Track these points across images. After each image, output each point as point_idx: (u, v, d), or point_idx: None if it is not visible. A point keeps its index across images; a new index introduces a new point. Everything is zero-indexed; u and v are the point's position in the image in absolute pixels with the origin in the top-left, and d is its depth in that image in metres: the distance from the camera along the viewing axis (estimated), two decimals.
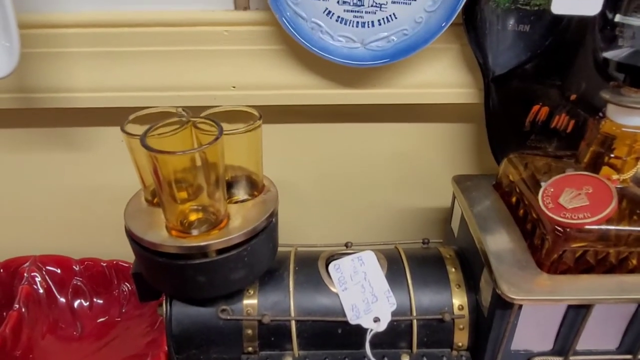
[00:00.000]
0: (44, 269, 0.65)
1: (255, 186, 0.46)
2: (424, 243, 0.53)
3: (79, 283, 0.66)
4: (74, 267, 0.66)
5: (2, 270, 0.65)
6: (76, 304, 0.66)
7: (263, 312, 0.45)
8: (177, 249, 0.38)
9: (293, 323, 0.45)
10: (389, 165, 0.60)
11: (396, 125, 0.58)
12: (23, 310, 0.60)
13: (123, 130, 0.40)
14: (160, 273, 0.41)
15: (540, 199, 0.40)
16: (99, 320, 0.65)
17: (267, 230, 0.42)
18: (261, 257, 0.43)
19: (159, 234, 0.39)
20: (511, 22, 0.49)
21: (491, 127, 0.54)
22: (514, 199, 0.47)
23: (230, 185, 0.45)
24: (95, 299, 0.66)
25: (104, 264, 0.66)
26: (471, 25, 0.49)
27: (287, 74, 0.52)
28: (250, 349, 0.46)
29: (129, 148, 0.41)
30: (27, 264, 0.64)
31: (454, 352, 0.46)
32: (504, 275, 0.40)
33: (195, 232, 0.39)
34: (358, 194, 0.62)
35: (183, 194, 0.39)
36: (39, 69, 0.51)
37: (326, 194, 0.62)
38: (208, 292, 0.41)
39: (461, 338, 0.46)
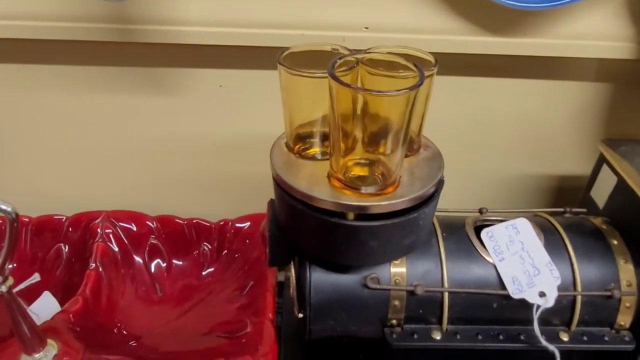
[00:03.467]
0: (117, 225, 0.59)
1: (410, 142, 0.40)
2: (565, 212, 0.48)
3: (155, 242, 0.60)
4: (149, 223, 0.60)
5: (66, 228, 0.59)
6: (153, 265, 0.60)
7: (412, 282, 0.40)
8: (350, 209, 0.33)
9: (446, 295, 0.40)
10: (514, 127, 0.55)
11: (529, 82, 0.52)
12: (100, 269, 0.55)
13: (280, 63, 0.34)
14: (319, 235, 0.36)
15: None
16: (178, 283, 0.60)
17: (439, 190, 0.37)
18: (430, 221, 0.38)
19: (324, 190, 0.34)
20: None
21: None
22: None
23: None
24: (173, 260, 0.61)
25: (183, 222, 0.60)
26: None
27: (427, 15, 0.46)
28: (394, 321, 0.41)
29: (285, 85, 0.35)
30: (99, 219, 0.58)
31: (613, 332, 0.42)
32: None
33: (368, 189, 0.34)
34: (483, 156, 0.57)
35: (358, 145, 0.34)
36: None
37: (454, 154, 0.56)
38: (375, 259, 0.36)
39: (625, 317, 0.42)
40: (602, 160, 0.48)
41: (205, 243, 0.62)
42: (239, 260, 0.61)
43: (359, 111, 0.32)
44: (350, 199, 0.33)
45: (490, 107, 0.54)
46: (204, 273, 0.61)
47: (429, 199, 0.35)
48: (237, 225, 0.61)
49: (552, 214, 0.47)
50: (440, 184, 0.37)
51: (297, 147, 0.39)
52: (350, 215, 0.34)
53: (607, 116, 0.54)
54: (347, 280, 0.40)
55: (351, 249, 0.35)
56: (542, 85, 0.53)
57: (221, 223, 0.61)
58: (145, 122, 0.56)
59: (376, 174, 0.35)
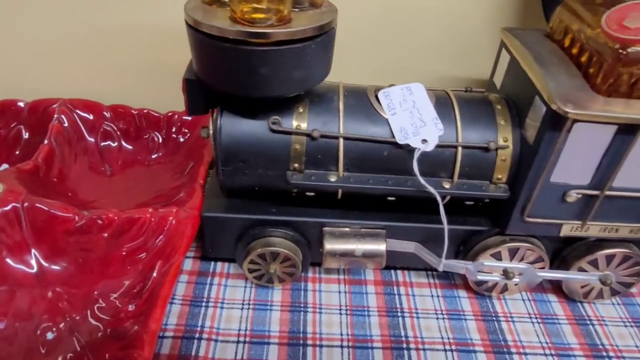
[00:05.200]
0: (74, 111, 0.64)
1: (314, 3, 0.45)
2: (466, 90, 0.53)
3: (108, 128, 0.66)
4: (105, 113, 0.66)
5: (26, 112, 0.65)
6: (105, 145, 0.66)
7: (313, 129, 0.45)
8: (243, 35, 0.38)
9: (341, 141, 0.46)
10: (430, 20, 0.60)
11: None
12: (54, 144, 0.60)
13: None
14: (221, 64, 0.41)
15: (603, 21, 0.41)
16: (127, 163, 0.66)
17: (329, 34, 0.42)
18: (320, 63, 0.43)
19: (224, 22, 0.39)
20: None
21: None
22: (568, 40, 0.47)
23: None
24: (124, 144, 0.66)
25: (135, 112, 0.66)
26: None
27: None
28: (296, 165, 0.46)
29: None
30: (57, 105, 0.63)
31: (492, 185, 0.48)
32: (561, 95, 0.40)
33: (262, 24, 0.39)
34: (395, 50, 0.61)
35: None
36: None
37: (365, 34, 0.61)
38: (267, 88, 0.41)
39: (501, 171, 0.47)
40: (502, 46, 0.53)
41: (155, 132, 0.67)
42: (183, 146, 0.66)
43: None
44: (243, 27, 0.38)
45: None
46: (153, 157, 0.67)
47: (316, 37, 0.40)
48: (184, 118, 0.67)
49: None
50: (330, 29, 0.42)
51: (213, 6, 0.44)
52: (243, 43, 0.39)
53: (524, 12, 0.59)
54: (255, 124, 0.46)
55: (244, 76, 0.40)
56: None
57: (169, 114, 0.66)
58: (99, 10, 0.60)
59: (270, 15, 0.40)
